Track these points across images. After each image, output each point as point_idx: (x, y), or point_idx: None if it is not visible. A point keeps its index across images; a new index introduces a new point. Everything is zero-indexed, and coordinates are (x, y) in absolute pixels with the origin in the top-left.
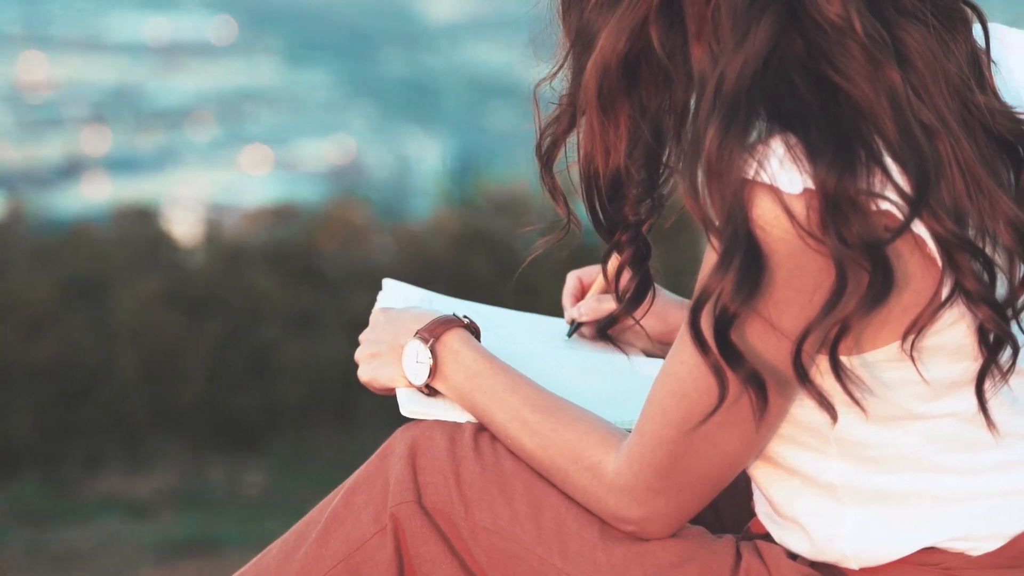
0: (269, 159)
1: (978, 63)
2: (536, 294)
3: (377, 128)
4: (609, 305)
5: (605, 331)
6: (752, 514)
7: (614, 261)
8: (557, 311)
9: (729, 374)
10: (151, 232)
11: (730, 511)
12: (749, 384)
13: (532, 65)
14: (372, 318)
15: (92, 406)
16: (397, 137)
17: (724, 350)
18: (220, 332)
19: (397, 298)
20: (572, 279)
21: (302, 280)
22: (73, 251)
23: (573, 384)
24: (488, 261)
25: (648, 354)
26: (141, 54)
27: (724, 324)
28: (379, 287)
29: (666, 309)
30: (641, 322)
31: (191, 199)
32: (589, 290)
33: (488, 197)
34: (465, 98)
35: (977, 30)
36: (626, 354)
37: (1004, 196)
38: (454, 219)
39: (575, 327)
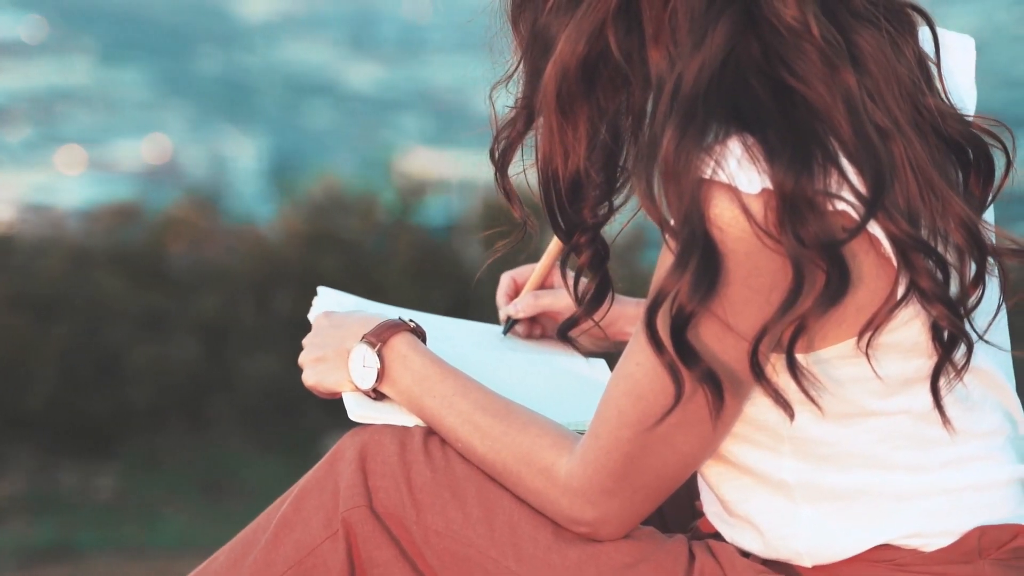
0: (83, 159)
1: (926, 66)
2: (385, 293)
3: (193, 127)
4: (546, 301)
5: (565, 332)
6: (695, 514)
7: (548, 259)
8: (408, 308)
9: (685, 374)
10: None
11: (674, 512)
12: (705, 383)
13: (351, 63)
14: (315, 322)
15: None
16: (214, 136)
17: (680, 350)
18: (67, 335)
19: (332, 305)
20: (506, 279)
21: (148, 281)
22: None
23: (516, 387)
24: (336, 260)
25: (586, 351)
26: None
27: (680, 324)
28: (226, 287)
29: None
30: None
31: (6, 200)
32: (522, 289)
33: (332, 196)
34: (281, 97)
35: (922, 33)
36: (580, 352)
37: (955, 197)
38: (299, 219)
39: (510, 324)
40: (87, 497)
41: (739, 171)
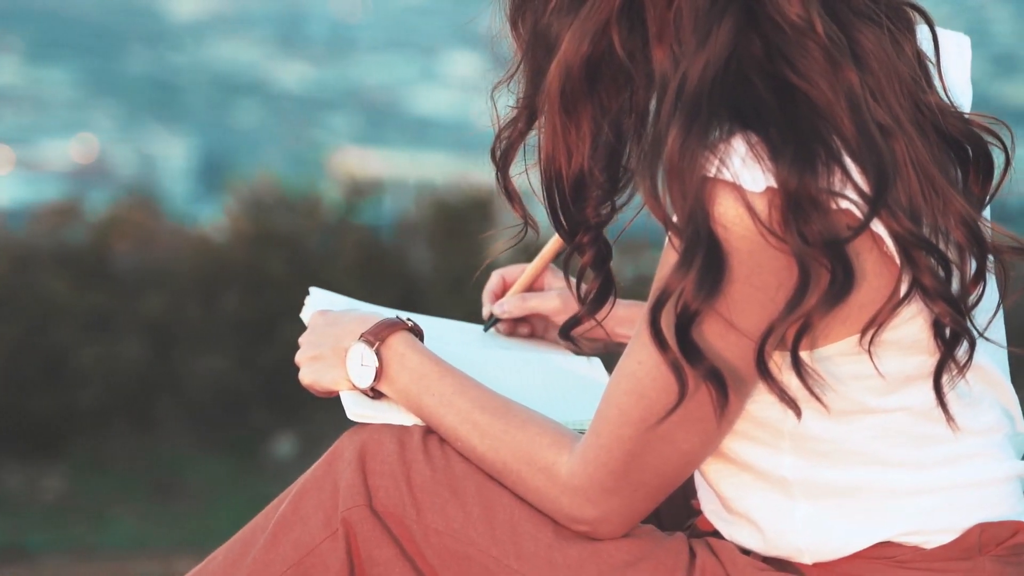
0: (11, 159)
1: (924, 63)
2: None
3: (122, 127)
4: (533, 303)
5: (568, 332)
6: (690, 512)
7: (541, 261)
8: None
9: (689, 372)
10: None
11: (669, 510)
12: (709, 381)
13: (280, 62)
14: (311, 321)
15: None
16: (142, 135)
17: (684, 348)
18: (11, 336)
19: (324, 305)
20: (495, 277)
21: (91, 282)
22: None
23: (511, 386)
24: (281, 260)
25: (578, 350)
26: None
27: (685, 322)
28: (171, 287)
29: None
30: (559, 319)
31: None
32: (511, 288)
33: (275, 195)
34: (210, 96)
35: (919, 31)
36: (583, 350)
37: (956, 194)
38: (242, 218)
39: (492, 322)
40: (35, 498)
41: (743, 169)
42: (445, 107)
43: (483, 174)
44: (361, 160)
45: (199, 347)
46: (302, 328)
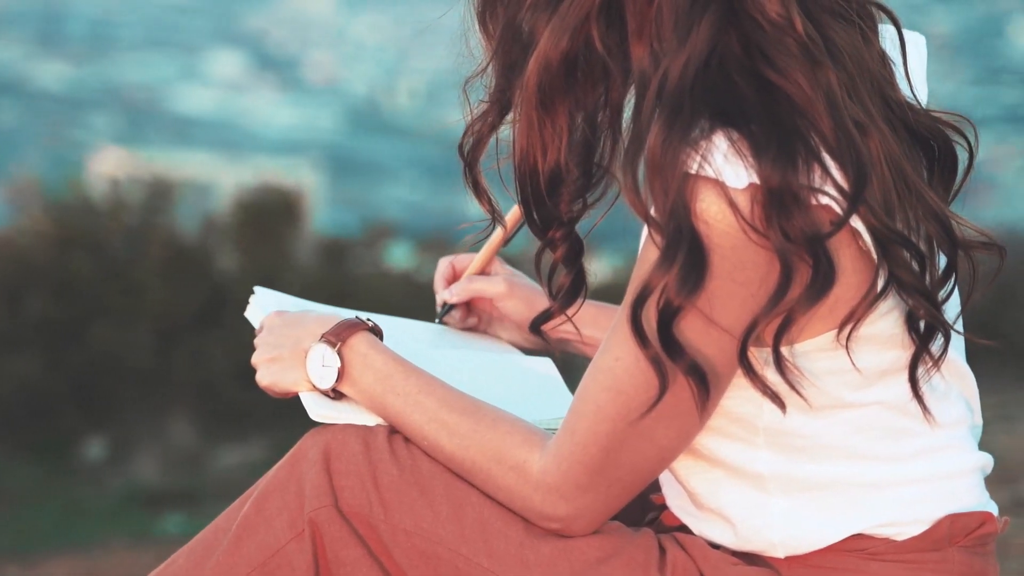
0: None
1: (887, 61)
2: (142, 293)
3: None
4: (479, 285)
5: (538, 327)
6: (646, 507)
7: (489, 249)
8: (162, 310)
9: (669, 368)
10: None
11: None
12: (690, 377)
13: (38, 60)
14: (267, 321)
15: None
16: None
17: (666, 344)
18: None
19: (271, 304)
20: (444, 264)
21: None
22: None
23: (468, 385)
24: (87, 261)
25: (516, 344)
26: None
27: (667, 318)
28: None
29: (532, 296)
30: (507, 307)
31: None
32: (461, 276)
33: (81, 197)
34: None
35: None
36: (553, 349)
37: (928, 190)
38: (47, 221)
39: (446, 310)
40: None
41: (726, 165)
42: (207, 106)
43: (247, 172)
44: (120, 160)
45: (4, 350)
46: (107, 329)
